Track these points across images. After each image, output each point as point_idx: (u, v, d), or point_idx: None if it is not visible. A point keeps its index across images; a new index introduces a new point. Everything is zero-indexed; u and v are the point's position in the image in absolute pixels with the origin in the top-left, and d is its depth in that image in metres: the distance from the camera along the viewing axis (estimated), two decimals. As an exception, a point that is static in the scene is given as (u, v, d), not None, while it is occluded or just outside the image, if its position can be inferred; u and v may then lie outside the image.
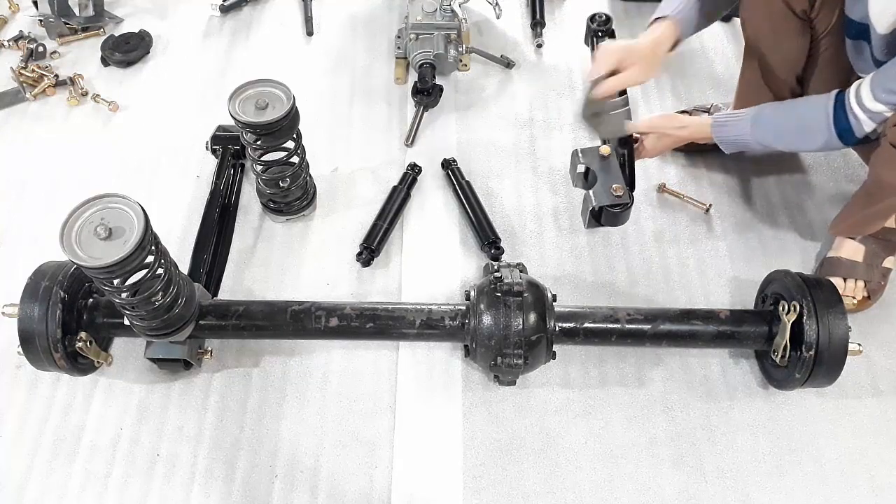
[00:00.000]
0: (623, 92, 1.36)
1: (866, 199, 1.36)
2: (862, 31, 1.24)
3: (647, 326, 1.31)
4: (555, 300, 1.32)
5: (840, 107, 1.22)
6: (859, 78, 1.22)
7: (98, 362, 1.34)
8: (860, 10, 1.22)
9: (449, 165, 1.70)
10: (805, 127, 1.29)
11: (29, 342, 1.24)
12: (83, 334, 1.27)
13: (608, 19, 1.41)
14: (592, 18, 1.43)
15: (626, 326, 1.31)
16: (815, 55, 1.42)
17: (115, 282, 1.12)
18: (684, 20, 1.34)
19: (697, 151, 1.75)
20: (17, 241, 1.61)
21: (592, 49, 1.43)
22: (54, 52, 2.00)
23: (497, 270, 1.32)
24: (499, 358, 1.26)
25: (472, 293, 1.33)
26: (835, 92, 1.24)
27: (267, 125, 1.37)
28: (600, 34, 1.41)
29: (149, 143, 1.80)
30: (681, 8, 1.33)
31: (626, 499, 1.28)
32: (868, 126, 1.19)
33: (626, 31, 2.04)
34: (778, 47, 1.43)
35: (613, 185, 1.35)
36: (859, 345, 1.26)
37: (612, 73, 1.31)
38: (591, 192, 1.36)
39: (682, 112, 1.78)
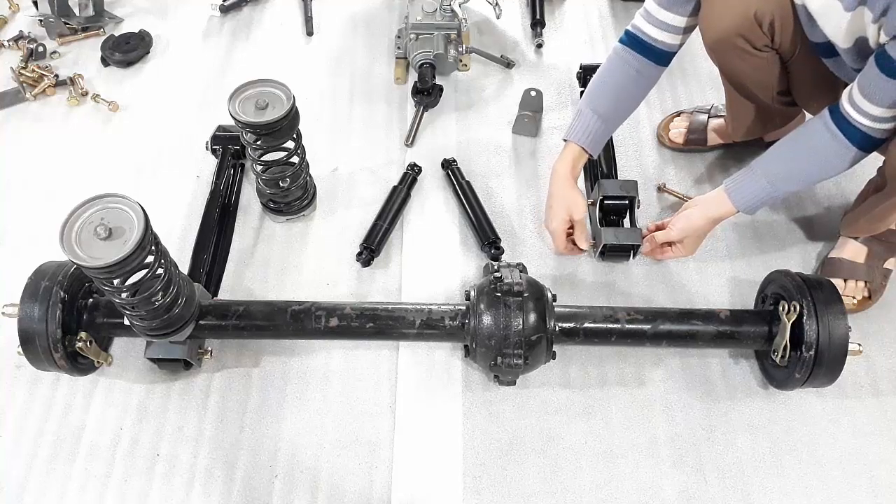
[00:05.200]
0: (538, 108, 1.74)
1: (880, 196, 1.34)
2: (832, 50, 1.25)
3: (647, 326, 1.31)
4: (555, 300, 1.32)
5: (843, 123, 1.19)
6: (845, 83, 1.22)
7: (98, 362, 1.34)
8: (820, 34, 1.23)
9: (449, 165, 1.70)
10: (821, 159, 1.25)
11: (29, 342, 1.24)
12: (83, 334, 1.27)
13: None
14: None
15: (626, 326, 1.31)
16: (793, 72, 1.41)
17: (115, 282, 1.12)
18: (590, 140, 1.44)
19: (698, 151, 1.75)
20: (17, 241, 1.61)
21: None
22: (54, 52, 2.00)
23: (497, 270, 1.32)
24: (499, 358, 1.26)
25: (472, 293, 1.33)
26: (826, 113, 1.22)
27: (267, 125, 1.37)
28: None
29: (149, 143, 1.80)
30: (582, 130, 1.43)
31: (626, 499, 1.28)
32: (888, 125, 1.16)
33: (626, 31, 2.04)
34: (752, 78, 1.43)
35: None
36: (859, 345, 1.26)
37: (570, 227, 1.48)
38: (603, 230, 1.50)
39: (681, 112, 1.78)
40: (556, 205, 1.46)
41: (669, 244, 1.46)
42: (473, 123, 1.83)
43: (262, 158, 1.48)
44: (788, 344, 1.26)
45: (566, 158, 1.45)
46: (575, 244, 1.49)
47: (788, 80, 1.44)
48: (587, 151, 1.45)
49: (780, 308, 1.28)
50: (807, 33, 1.28)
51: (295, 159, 1.51)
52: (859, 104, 1.15)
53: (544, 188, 1.69)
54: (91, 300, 1.33)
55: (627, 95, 1.43)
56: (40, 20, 2.03)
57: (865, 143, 1.19)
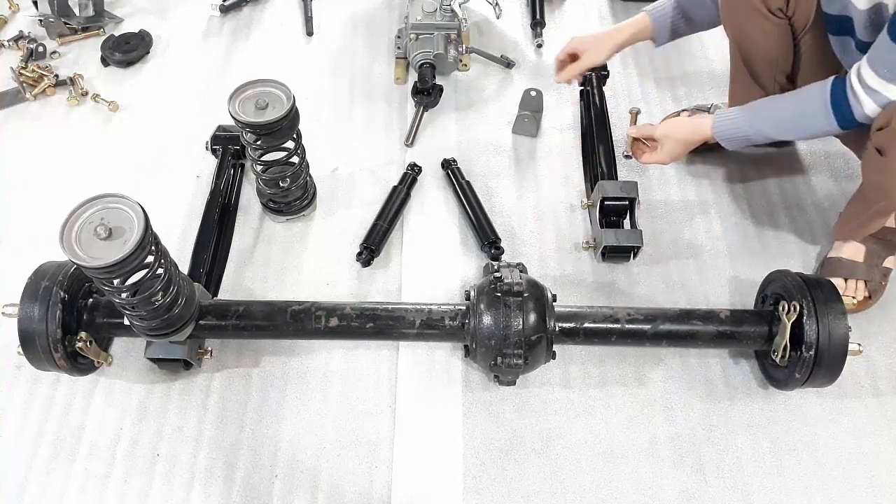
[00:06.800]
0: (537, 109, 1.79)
1: (862, 203, 1.38)
2: (843, 26, 1.26)
3: (647, 326, 1.31)
4: (555, 300, 1.32)
5: (838, 91, 1.23)
6: (846, 72, 1.24)
7: (98, 362, 1.34)
8: (837, 4, 1.24)
9: (449, 165, 1.70)
10: (803, 114, 1.31)
11: (29, 342, 1.24)
12: (83, 334, 1.27)
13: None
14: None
15: (626, 326, 1.31)
16: (800, 53, 1.43)
17: (115, 282, 1.12)
18: (659, 17, 1.53)
19: (698, 151, 1.75)
20: (17, 241, 1.61)
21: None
22: (54, 52, 2.00)
23: (497, 270, 1.32)
24: (499, 358, 1.26)
25: (472, 293, 1.33)
26: (831, 78, 1.26)
27: (267, 125, 1.37)
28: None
29: (149, 143, 1.80)
30: (658, 8, 1.54)
31: (626, 499, 1.28)
32: (868, 107, 1.19)
33: (626, 31, 2.04)
34: (761, 47, 1.45)
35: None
36: (859, 345, 1.26)
37: (574, 59, 1.60)
38: (603, 231, 1.51)
39: (682, 112, 1.78)
40: (578, 38, 1.58)
41: (647, 145, 1.52)
42: (473, 123, 1.83)
43: (262, 158, 1.48)
44: (788, 344, 1.26)
45: (629, 21, 1.55)
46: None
47: (794, 61, 1.46)
48: (652, 32, 1.54)
49: (780, 308, 1.28)
50: (823, 4, 1.29)
51: (295, 159, 1.51)
52: (864, 77, 1.18)
53: (544, 188, 1.70)
54: (91, 300, 1.33)
55: (701, 7, 1.50)
56: (40, 20, 2.03)
57: (846, 120, 1.23)
